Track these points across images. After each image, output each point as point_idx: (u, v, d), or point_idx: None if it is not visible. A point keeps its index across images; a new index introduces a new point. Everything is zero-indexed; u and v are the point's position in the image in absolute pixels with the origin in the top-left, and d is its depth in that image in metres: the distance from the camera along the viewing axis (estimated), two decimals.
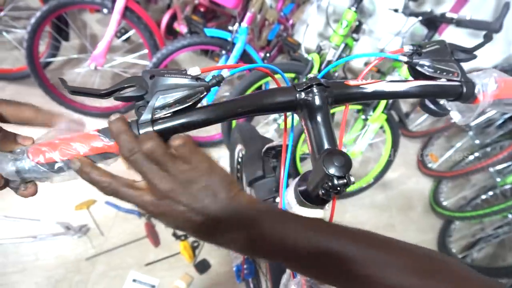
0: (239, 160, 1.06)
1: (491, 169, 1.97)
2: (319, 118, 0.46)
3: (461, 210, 2.01)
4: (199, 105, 0.42)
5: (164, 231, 1.59)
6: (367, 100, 0.53)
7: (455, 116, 0.57)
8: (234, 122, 1.91)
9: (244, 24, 1.73)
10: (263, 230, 0.37)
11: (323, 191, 0.43)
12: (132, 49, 2.08)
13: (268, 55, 2.48)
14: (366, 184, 2.01)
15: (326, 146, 0.45)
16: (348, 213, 1.99)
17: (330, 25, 1.73)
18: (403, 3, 1.62)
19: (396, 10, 1.66)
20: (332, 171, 0.40)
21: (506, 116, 2.24)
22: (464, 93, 0.52)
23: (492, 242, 1.90)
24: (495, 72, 0.53)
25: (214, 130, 2.03)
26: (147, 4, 2.85)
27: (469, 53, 0.54)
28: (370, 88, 0.49)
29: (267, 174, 0.73)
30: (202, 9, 2.40)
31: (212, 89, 0.43)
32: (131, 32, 2.08)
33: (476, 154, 2.25)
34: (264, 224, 0.37)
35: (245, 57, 1.79)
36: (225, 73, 0.44)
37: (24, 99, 0.40)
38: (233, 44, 1.73)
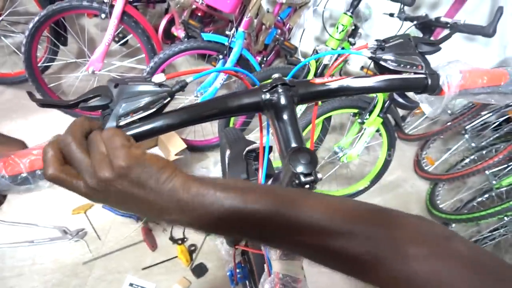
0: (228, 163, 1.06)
1: (487, 172, 1.99)
2: (285, 117, 0.47)
3: (457, 212, 2.02)
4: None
5: (161, 235, 1.59)
6: (334, 97, 0.53)
7: (425, 109, 0.58)
8: (231, 123, 1.92)
9: (241, 28, 1.74)
10: (198, 211, 0.35)
11: None
12: (130, 53, 2.09)
13: (265, 59, 2.50)
14: (362, 187, 2.02)
15: (293, 144, 0.46)
16: None
17: (326, 29, 1.74)
18: (398, 7, 1.64)
19: (391, 15, 1.68)
20: (298, 169, 0.40)
21: (501, 119, 2.26)
22: (429, 85, 0.53)
23: (488, 244, 1.91)
24: (459, 63, 0.54)
25: (212, 134, 2.04)
26: (145, 9, 2.86)
27: (434, 45, 0.55)
28: (335, 85, 0.50)
29: (251, 177, 0.74)
30: (199, 14, 2.41)
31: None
32: (129, 37, 2.09)
33: (472, 157, 2.27)
34: (197, 206, 0.35)
35: (242, 61, 1.80)
36: (190, 78, 0.44)
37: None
38: (230, 48, 1.75)
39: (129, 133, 0.41)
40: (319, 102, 1.79)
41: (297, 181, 0.41)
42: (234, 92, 0.48)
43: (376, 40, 0.54)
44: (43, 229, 1.48)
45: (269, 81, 0.49)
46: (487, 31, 1.31)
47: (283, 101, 0.47)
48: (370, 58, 0.54)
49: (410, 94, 0.59)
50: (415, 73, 0.53)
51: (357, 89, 0.51)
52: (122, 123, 0.40)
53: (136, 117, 0.41)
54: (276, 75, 0.49)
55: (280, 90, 0.47)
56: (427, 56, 0.56)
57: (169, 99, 0.42)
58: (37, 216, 1.50)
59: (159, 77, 0.42)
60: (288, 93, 0.47)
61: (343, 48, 1.94)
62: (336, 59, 1.75)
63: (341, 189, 2.05)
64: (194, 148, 2.00)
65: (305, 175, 0.41)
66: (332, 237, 0.34)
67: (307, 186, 0.41)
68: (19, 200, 1.48)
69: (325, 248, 0.35)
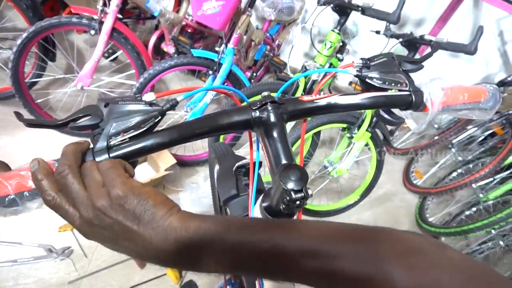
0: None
1: (474, 185, 2.02)
2: (275, 134, 0.47)
3: (446, 226, 2.04)
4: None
5: None
6: (322, 114, 0.54)
7: (410, 124, 0.60)
8: (221, 138, 1.92)
9: (231, 45, 1.77)
10: (198, 252, 0.34)
11: (283, 206, 0.43)
12: (120, 69, 2.09)
13: (255, 74, 2.52)
14: (352, 201, 2.02)
15: (283, 161, 0.46)
16: None
17: (314, 46, 1.78)
18: (384, 25, 1.68)
19: (378, 32, 1.72)
20: (289, 185, 0.40)
21: (487, 133, 2.31)
22: (413, 102, 0.54)
23: (477, 258, 1.92)
24: (441, 80, 0.56)
25: (202, 149, 2.03)
26: (135, 25, 2.88)
27: (416, 63, 0.57)
28: (323, 102, 0.51)
29: (241, 193, 0.73)
30: (189, 30, 2.44)
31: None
32: (118, 53, 2.09)
33: (459, 171, 2.31)
34: (197, 245, 0.34)
35: (231, 77, 1.82)
36: (180, 96, 0.45)
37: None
38: (220, 64, 1.76)
39: (120, 152, 0.40)
40: (309, 118, 1.81)
41: (287, 198, 0.41)
42: (223, 110, 0.48)
43: (362, 59, 0.55)
44: (27, 247, 1.44)
45: (258, 97, 0.49)
46: (469, 49, 1.35)
47: (272, 118, 0.47)
48: (356, 76, 0.55)
49: (396, 110, 0.61)
50: (399, 90, 0.54)
51: (345, 106, 0.53)
52: (112, 142, 0.40)
53: (126, 136, 0.40)
54: (265, 93, 0.49)
55: (269, 108, 0.47)
56: (412, 73, 0.57)
57: (160, 117, 0.42)
58: (22, 234, 1.46)
59: (149, 96, 0.42)
60: (278, 111, 0.48)
61: (331, 64, 1.98)
62: (325, 76, 1.78)
63: (331, 203, 2.05)
64: (184, 163, 1.98)
65: (296, 191, 0.41)
66: (331, 260, 0.34)
67: (298, 202, 0.41)
68: (3, 217, 1.44)
69: (325, 272, 0.34)
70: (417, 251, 0.34)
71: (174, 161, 1.82)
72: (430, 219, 2.16)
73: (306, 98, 0.51)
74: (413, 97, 0.54)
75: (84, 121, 0.40)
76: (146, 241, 0.34)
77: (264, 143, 0.48)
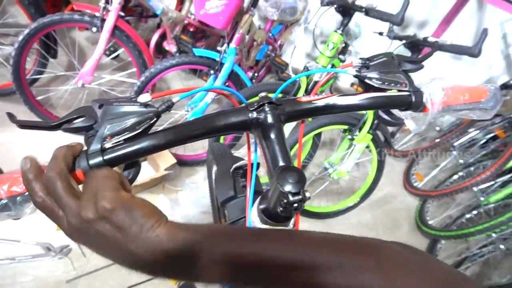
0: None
1: (474, 188, 2.00)
2: (272, 136, 0.47)
3: (447, 229, 2.03)
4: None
5: None
6: (321, 115, 0.54)
7: (410, 125, 0.59)
8: (221, 139, 1.91)
9: (233, 44, 1.76)
10: (185, 262, 0.34)
11: (281, 208, 0.42)
12: (121, 67, 2.09)
13: (256, 74, 2.51)
14: (352, 204, 2.02)
15: (280, 163, 0.46)
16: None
17: (316, 47, 1.77)
18: (387, 26, 1.67)
19: (381, 33, 1.71)
20: (287, 188, 0.40)
21: (488, 136, 2.30)
22: (413, 102, 0.53)
23: (477, 261, 1.92)
24: (441, 80, 0.55)
25: (201, 149, 2.02)
26: (137, 23, 2.87)
27: (416, 63, 0.56)
28: (321, 102, 0.50)
29: (239, 194, 0.72)
30: (191, 29, 2.43)
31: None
32: (120, 51, 2.08)
33: (460, 174, 2.30)
34: (184, 257, 0.34)
35: (233, 76, 1.81)
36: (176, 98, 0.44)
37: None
38: (222, 64, 1.75)
39: (114, 155, 0.39)
40: (309, 119, 1.80)
41: (285, 200, 0.40)
42: (221, 111, 0.48)
43: (361, 59, 0.54)
44: (25, 245, 1.43)
45: (256, 98, 0.49)
46: (473, 52, 1.34)
47: (270, 119, 0.47)
48: (355, 76, 0.54)
49: (396, 111, 0.60)
50: (399, 90, 0.53)
51: (343, 107, 0.52)
52: (107, 145, 0.39)
53: (121, 138, 0.40)
54: (263, 94, 0.49)
55: (267, 109, 0.47)
56: (413, 73, 0.57)
57: (155, 119, 0.41)
58: (20, 232, 1.46)
59: (144, 97, 0.41)
60: (275, 112, 0.47)
61: (333, 65, 1.97)
62: (325, 76, 1.77)
63: (331, 205, 2.05)
64: (184, 163, 1.98)
65: (293, 194, 0.40)
66: (316, 272, 0.34)
67: (296, 205, 0.40)
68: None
69: (310, 284, 0.34)
70: (400, 263, 0.34)
71: (174, 160, 1.82)
72: (430, 222, 2.15)
73: (304, 99, 0.50)
74: (413, 97, 0.53)
75: (77, 123, 0.40)
76: (132, 252, 0.34)
77: (261, 145, 0.48)
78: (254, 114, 0.47)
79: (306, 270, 0.34)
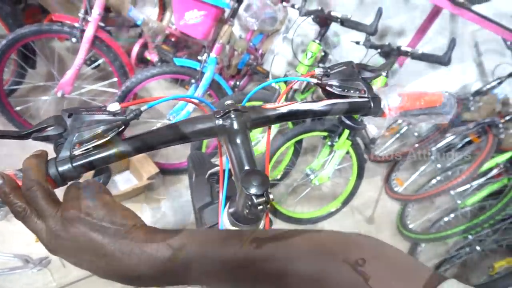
0: None
1: (452, 192, 2.06)
2: (238, 141, 0.49)
3: (426, 232, 2.07)
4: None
5: None
6: (285, 121, 0.56)
7: (372, 129, 0.62)
8: (204, 147, 1.92)
9: (213, 54, 1.78)
10: (165, 262, 0.35)
11: (247, 210, 0.44)
12: (102, 76, 2.08)
13: (238, 83, 2.54)
14: (334, 209, 2.05)
15: (246, 167, 0.48)
16: None
17: (296, 56, 1.81)
18: (364, 36, 1.73)
19: (358, 43, 1.76)
20: (251, 190, 0.42)
21: (465, 140, 2.37)
22: (372, 108, 0.56)
23: (456, 263, 1.96)
24: (398, 87, 0.58)
25: (185, 157, 2.02)
26: (118, 33, 2.86)
27: (375, 71, 0.59)
28: (285, 109, 0.53)
29: (215, 200, 0.74)
30: (173, 39, 2.44)
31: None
32: (100, 60, 2.08)
33: (439, 178, 2.36)
34: (164, 255, 0.35)
35: (214, 85, 1.83)
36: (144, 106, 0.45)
37: None
38: (202, 73, 1.77)
39: (83, 161, 0.41)
40: (290, 124, 1.83)
41: (250, 202, 0.42)
42: (188, 119, 0.50)
43: (322, 67, 0.57)
44: (2, 258, 1.40)
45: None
46: (443, 60, 1.40)
47: (235, 126, 0.49)
48: (316, 84, 0.57)
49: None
50: (359, 97, 0.56)
51: (306, 112, 0.54)
52: (76, 152, 0.41)
53: (90, 145, 0.41)
54: (228, 102, 0.51)
55: (232, 116, 0.49)
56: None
57: (123, 127, 0.43)
58: None
59: (114, 106, 0.43)
60: (241, 118, 0.49)
61: None
62: (307, 84, 1.81)
63: (313, 210, 2.07)
64: (167, 172, 1.97)
65: (258, 196, 0.42)
66: (288, 262, 0.35)
67: (260, 207, 0.42)
68: None
69: (282, 273, 0.36)
70: (359, 248, 0.36)
71: (157, 169, 1.81)
72: (410, 226, 2.20)
73: (269, 106, 0.53)
74: (372, 103, 0.56)
75: (47, 132, 0.41)
76: (109, 254, 0.35)
77: (228, 150, 0.50)
78: (221, 121, 0.49)
79: (278, 262, 0.35)
